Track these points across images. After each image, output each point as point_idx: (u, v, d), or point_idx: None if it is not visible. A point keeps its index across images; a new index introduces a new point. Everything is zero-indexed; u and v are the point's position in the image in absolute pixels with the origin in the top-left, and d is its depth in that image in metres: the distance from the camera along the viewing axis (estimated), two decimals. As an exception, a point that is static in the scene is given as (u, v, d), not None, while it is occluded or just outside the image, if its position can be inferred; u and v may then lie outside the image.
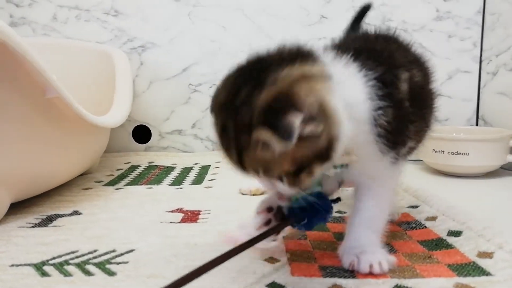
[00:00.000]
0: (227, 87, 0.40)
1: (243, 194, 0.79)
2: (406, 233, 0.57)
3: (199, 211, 0.68)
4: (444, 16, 1.12)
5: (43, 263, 0.48)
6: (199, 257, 0.49)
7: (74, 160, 0.82)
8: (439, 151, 0.91)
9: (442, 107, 1.15)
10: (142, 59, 1.16)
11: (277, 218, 0.48)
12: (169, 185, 0.87)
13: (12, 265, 0.48)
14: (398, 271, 0.45)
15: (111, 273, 0.46)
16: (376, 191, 0.47)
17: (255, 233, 0.46)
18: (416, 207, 0.67)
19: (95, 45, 1.11)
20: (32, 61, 0.56)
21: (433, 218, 0.61)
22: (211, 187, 0.85)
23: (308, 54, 0.40)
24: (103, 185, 0.87)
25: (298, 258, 0.49)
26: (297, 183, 0.39)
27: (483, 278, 0.43)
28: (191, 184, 0.87)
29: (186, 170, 1.00)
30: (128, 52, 1.14)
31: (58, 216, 0.66)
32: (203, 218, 0.65)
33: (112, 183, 0.89)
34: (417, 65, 0.49)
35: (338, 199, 0.50)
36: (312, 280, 0.44)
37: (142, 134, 1.20)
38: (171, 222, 0.63)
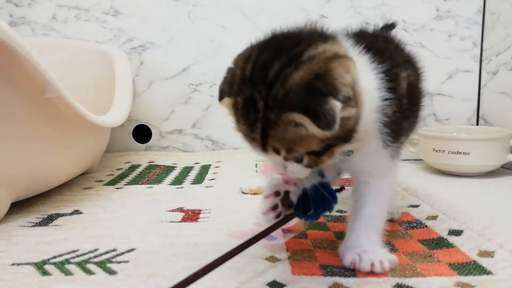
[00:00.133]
0: (252, 59, 0.38)
1: (243, 193, 0.79)
2: (407, 232, 0.57)
3: (200, 210, 0.68)
4: (444, 16, 1.12)
5: (44, 262, 0.48)
6: (199, 257, 0.49)
7: (75, 160, 0.82)
8: (439, 150, 0.91)
9: (443, 106, 1.17)
10: (142, 59, 1.16)
11: (284, 203, 0.48)
12: (170, 184, 0.87)
13: (13, 264, 0.48)
14: (399, 270, 0.45)
15: (111, 272, 0.46)
16: (374, 188, 0.47)
17: (264, 224, 0.46)
18: (417, 206, 0.67)
19: (95, 45, 1.11)
20: (32, 60, 0.56)
21: (434, 218, 0.61)
22: (211, 186, 0.85)
23: (334, 36, 0.41)
24: (104, 185, 0.87)
25: (298, 257, 0.49)
26: (318, 163, 0.39)
27: (484, 277, 0.43)
28: (192, 184, 0.87)
29: (187, 170, 1.00)
30: (128, 52, 1.14)
31: (59, 215, 0.66)
32: (203, 218, 0.65)
33: (112, 182, 0.89)
34: (411, 64, 0.50)
35: (342, 188, 0.51)
36: (312, 279, 0.44)
37: (142, 133, 1.20)
38: (171, 222, 0.63)
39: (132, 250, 0.52)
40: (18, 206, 0.69)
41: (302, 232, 0.57)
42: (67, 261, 0.48)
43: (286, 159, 0.39)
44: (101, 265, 0.48)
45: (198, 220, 0.64)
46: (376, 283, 0.42)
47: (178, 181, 0.90)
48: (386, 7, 1.12)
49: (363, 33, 0.49)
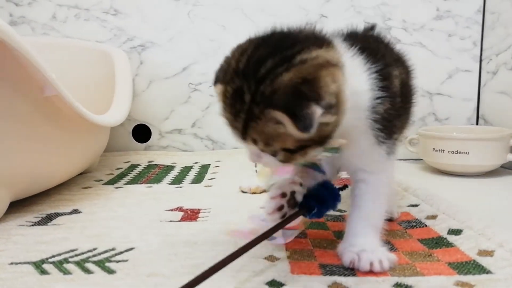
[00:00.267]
0: (248, 53, 0.40)
1: (243, 192, 0.79)
2: (406, 232, 0.57)
3: (199, 209, 0.68)
4: (444, 15, 1.12)
5: (43, 261, 0.48)
6: (198, 256, 0.49)
7: (74, 159, 0.82)
8: (439, 150, 0.91)
9: (443, 106, 1.17)
10: (142, 58, 1.16)
11: (290, 204, 0.48)
12: (169, 184, 0.87)
13: (12, 263, 0.48)
14: (398, 269, 0.45)
15: (110, 271, 0.46)
16: (371, 186, 0.48)
17: (266, 224, 0.47)
18: (417, 206, 0.67)
19: (95, 44, 1.11)
20: (31, 59, 0.56)
21: (434, 217, 0.61)
22: (211, 186, 0.85)
23: (330, 40, 0.42)
24: (103, 184, 0.87)
25: (298, 256, 0.49)
26: (291, 160, 0.42)
27: (484, 276, 0.43)
28: (191, 183, 0.87)
29: (186, 169, 1.00)
30: (128, 51, 1.14)
31: (58, 214, 0.66)
32: (203, 217, 0.65)
33: (112, 182, 0.89)
34: (401, 63, 0.52)
35: (345, 187, 0.53)
36: (312, 278, 0.43)
37: (142, 133, 1.20)
38: (170, 221, 0.63)
39: (131, 249, 0.52)
40: (17, 206, 0.69)
41: (302, 232, 0.57)
42: (66, 260, 0.48)
43: (262, 150, 0.41)
44: (100, 264, 0.47)
45: (198, 219, 0.63)
46: (376, 282, 0.42)
47: (178, 180, 0.90)
48: (386, 6, 1.12)
49: (356, 34, 0.51)
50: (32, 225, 0.61)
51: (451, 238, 0.53)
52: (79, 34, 1.14)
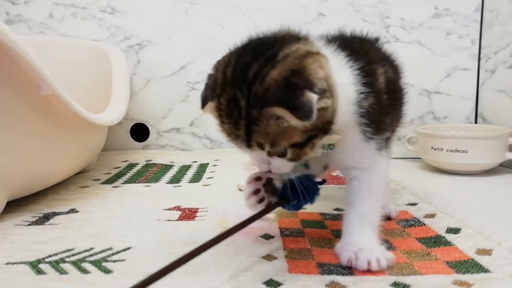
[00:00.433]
0: (232, 63, 0.41)
1: (241, 190, 0.79)
2: (404, 231, 0.57)
3: (197, 208, 0.68)
4: (442, 14, 1.12)
5: (39, 261, 0.48)
6: (196, 255, 0.49)
7: (71, 158, 0.81)
8: (438, 148, 0.91)
9: (441, 104, 1.16)
10: (139, 57, 1.16)
11: (267, 189, 0.50)
12: (167, 183, 0.87)
13: (8, 263, 0.47)
14: (396, 268, 0.45)
15: (107, 271, 0.45)
16: (364, 183, 0.48)
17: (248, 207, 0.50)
18: (415, 204, 0.67)
19: (92, 43, 1.11)
20: (27, 58, 0.55)
21: (432, 216, 0.61)
22: (209, 185, 0.85)
23: (306, 36, 0.44)
24: (101, 183, 0.86)
25: (295, 256, 0.48)
26: (301, 155, 0.42)
27: (482, 275, 0.43)
28: (189, 182, 0.87)
29: (184, 168, 1.00)
30: (125, 50, 1.14)
31: (55, 214, 0.66)
32: (200, 216, 0.64)
33: (109, 181, 0.88)
34: (388, 62, 0.53)
35: (324, 181, 0.54)
36: (309, 277, 0.43)
37: (140, 132, 1.20)
38: (168, 220, 0.62)
39: (128, 248, 0.51)
40: (14, 205, 0.68)
41: (300, 231, 0.56)
42: (62, 260, 0.48)
43: (270, 154, 0.42)
44: (97, 264, 0.47)
45: (195, 218, 0.63)
46: (374, 282, 0.42)
47: (176, 179, 0.89)
48: (384, 4, 1.12)
49: (340, 36, 0.52)
50: (29, 224, 0.61)
51: (450, 237, 0.53)
52: (76, 33, 1.14)
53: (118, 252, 0.50)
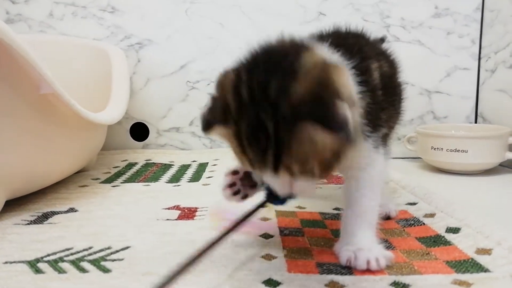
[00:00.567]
0: (245, 81, 0.37)
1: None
2: (404, 230, 0.57)
3: (196, 208, 0.68)
4: (442, 13, 1.12)
5: (37, 260, 0.48)
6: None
7: (71, 157, 0.81)
8: (438, 148, 0.91)
9: (441, 104, 1.16)
10: (139, 56, 1.15)
11: (245, 183, 0.50)
12: (167, 182, 0.87)
13: (6, 262, 0.47)
14: (395, 268, 0.45)
15: (106, 270, 0.45)
16: (362, 181, 0.47)
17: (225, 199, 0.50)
18: (415, 204, 0.67)
19: (92, 42, 1.11)
20: (26, 56, 0.55)
21: (432, 215, 0.61)
22: (208, 184, 0.85)
23: (308, 43, 0.41)
24: (100, 183, 0.86)
25: (295, 255, 0.48)
26: (328, 170, 0.39)
27: (482, 274, 0.43)
28: (189, 182, 0.87)
29: (184, 168, 1.00)
30: (125, 49, 1.14)
31: (54, 213, 0.66)
32: (200, 215, 0.64)
33: (109, 180, 0.88)
34: (384, 56, 0.51)
35: None
36: (309, 276, 0.43)
37: (139, 131, 1.19)
38: (167, 219, 0.62)
39: (127, 248, 0.51)
40: (13, 204, 0.68)
41: (299, 230, 0.56)
42: (61, 259, 0.48)
43: (296, 175, 0.38)
44: (95, 263, 0.47)
45: (195, 218, 0.63)
46: (373, 281, 0.42)
47: (175, 179, 0.89)
48: (384, 4, 1.11)
49: (331, 33, 0.50)
50: (28, 223, 0.61)
51: (449, 237, 0.53)
52: (76, 32, 1.14)
53: (117, 251, 0.50)
